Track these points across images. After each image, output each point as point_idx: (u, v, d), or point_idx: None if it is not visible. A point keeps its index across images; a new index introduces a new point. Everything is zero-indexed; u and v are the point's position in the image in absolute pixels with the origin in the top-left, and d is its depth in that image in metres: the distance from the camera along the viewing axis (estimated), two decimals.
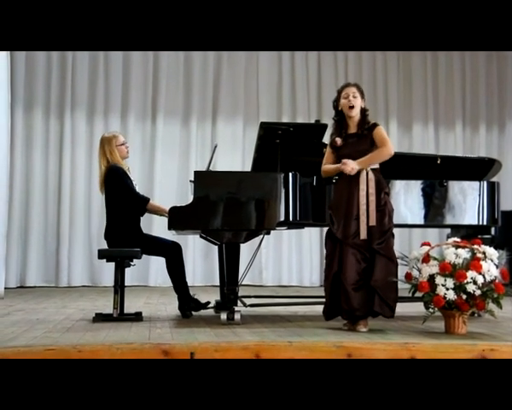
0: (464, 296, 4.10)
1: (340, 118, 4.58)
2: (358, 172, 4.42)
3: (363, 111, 4.55)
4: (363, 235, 4.37)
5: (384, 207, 4.44)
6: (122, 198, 5.11)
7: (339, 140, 4.53)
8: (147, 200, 5.18)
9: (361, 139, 4.50)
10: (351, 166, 4.40)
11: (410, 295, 4.37)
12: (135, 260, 5.01)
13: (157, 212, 5.28)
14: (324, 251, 4.67)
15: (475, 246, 4.28)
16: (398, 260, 4.48)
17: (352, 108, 4.48)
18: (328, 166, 4.60)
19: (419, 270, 4.29)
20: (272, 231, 5.37)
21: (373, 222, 4.37)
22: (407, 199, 5.17)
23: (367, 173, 4.43)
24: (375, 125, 4.53)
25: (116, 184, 5.11)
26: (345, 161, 4.42)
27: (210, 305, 5.23)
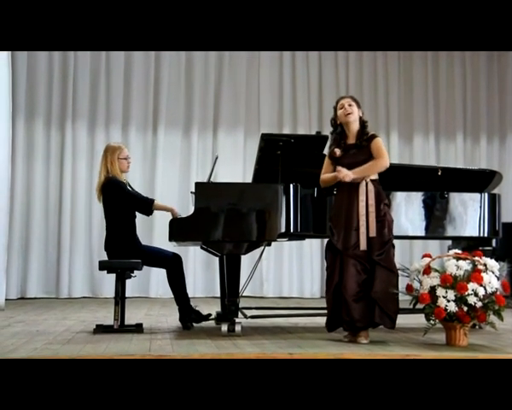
0: (465, 308, 4.10)
1: (339, 131, 4.61)
2: (357, 184, 4.45)
3: (363, 122, 4.58)
4: (363, 246, 4.37)
5: (384, 218, 4.45)
6: (124, 208, 5.10)
7: (338, 151, 4.55)
8: (152, 200, 5.19)
9: (360, 150, 4.52)
10: (344, 172, 4.42)
11: (411, 306, 4.37)
12: (136, 271, 5.01)
13: (164, 209, 5.27)
14: (325, 263, 4.67)
15: (476, 258, 4.28)
16: (399, 272, 4.48)
17: (348, 115, 4.51)
18: (325, 175, 4.63)
19: (420, 282, 4.29)
20: (273, 243, 5.37)
21: (373, 233, 4.38)
22: (408, 211, 5.18)
23: (366, 184, 4.45)
24: (374, 136, 4.55)
25: (116, 195, 5.10)
26: (339, 168, 4.45)
27: (211, 317, 5.22)
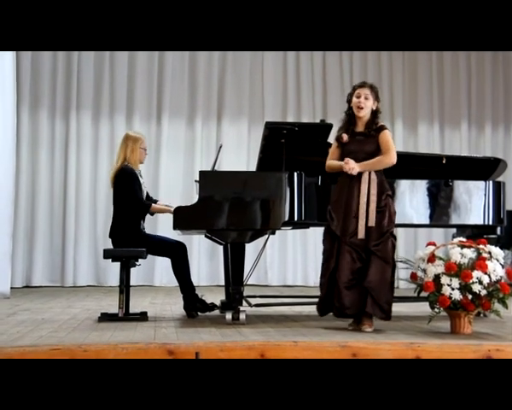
0: (470, 296, 4.10)
1: (351, 114, 4.58)
2: (361, 172, 4.43)
3: (375, 113, 4.55)
4: (361, 234, 4.38)
5: (384, 209, 4.43)
6: (127, 201, 5.13)
7: (345, 136, 4.54)
8: (149, 205, 5.20)
9: (367, 139, 4.50)
10: (351, 165, 4.41)
11: (416, 294, 4.36)
12: (140, 259, 5.02)
13: (162, 212, 5.31)
14: None
15: (481, 246, 4.27)
16: (402, 264, 4.48)
17: (360, 109, 4.49)
18: (332, 161, 4.61)
19: (424, 270, 4.29)
20: (277, 231, 5.37)
21: (372, 223, 4.38)
22: (412, 199, 5.16)
23: (369, 174, 4.44)
24: (383, 127, 4.53)
25: (124, 186, 5.14)
26: (347, 160, 4.44)
27: (216, 307, 5.21)
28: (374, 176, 4.44)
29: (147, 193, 5.34)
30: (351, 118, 4.58)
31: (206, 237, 5.43)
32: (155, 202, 5.43)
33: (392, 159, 4.47)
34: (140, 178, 5.24)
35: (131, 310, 5.00)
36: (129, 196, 5.13)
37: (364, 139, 4.50)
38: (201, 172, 4.80)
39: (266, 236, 5.03)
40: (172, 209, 4.85)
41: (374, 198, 4.40)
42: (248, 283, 5.13)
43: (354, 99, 4.52)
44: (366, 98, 4.49)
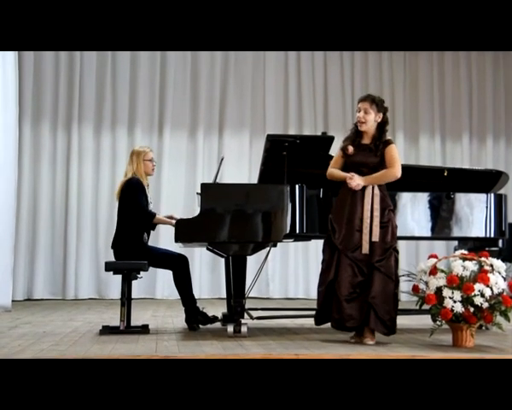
0: (472, 309, 4.09)
1: (356, 128, 4.60)
2: (364, 186, 4.44)
3: (381, 126, 4.54)
4: (365, 250, 4.37)
5: (387, 224, 4.43)
6: (132, 211, 5.15)
7: (350, 148, 4.54)
8: (153, 214, 5.23)
9: (372, 152, 4.50)
10: (357, 181, 4.41)
11: (418, 307, 4.36)
12: (142, 272, 5.02)
13: (164, 223, 5.33)
14: None
15: (483, 258, 4.27)
16: (404, 277, 4.48)
17: (361, 123, 4.50)
18: (334, 170, 4.61)
19: (426, 283, 4.28)
20: (279, 244, 5.38)
21: (375, 238, 4.38)
22: (414, 211, 5.16)
23: (373, 188, 4.44)
24: (389, 142, 4.53)
25: (130, 196, 5.18)
26: (352, 174, 4.44)
27: (217, 320, 5.21)
28: (377, 191, 4.45)
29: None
30: (358, 130, 4.58)
31: (207, 249, 5.44)
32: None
33: (396, 172, 4.48)
34: (147, 191, 5.26)
35: (133, 323, 5.00)
36: (133, 205, 5.16)
37: (369, 152, 4.51)
38: (203, 185, 4.81)
39: (268, 248, 5.03)
40: (174, 222, 4.86)
41: (377, 213, 4.41)
42: (250, 295, 5.13)
43: (357, 114, 4.54)
44: (366, 112, 4.50)
